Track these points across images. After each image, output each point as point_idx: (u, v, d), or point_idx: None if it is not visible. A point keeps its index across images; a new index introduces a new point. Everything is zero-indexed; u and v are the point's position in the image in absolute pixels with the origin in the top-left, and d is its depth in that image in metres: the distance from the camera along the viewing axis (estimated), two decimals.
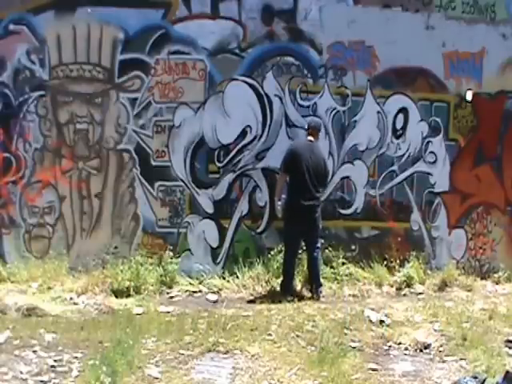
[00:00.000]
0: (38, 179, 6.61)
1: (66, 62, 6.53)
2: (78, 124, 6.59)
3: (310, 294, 6.37)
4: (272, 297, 6.28)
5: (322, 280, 6.46)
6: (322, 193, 6.44)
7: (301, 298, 6.28)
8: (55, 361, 4.60)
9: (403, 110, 7.14)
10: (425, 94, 7.20)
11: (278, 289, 6.40)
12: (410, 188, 7.25)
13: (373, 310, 5.94)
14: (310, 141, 6.46)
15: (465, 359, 4.92)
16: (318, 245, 6.40)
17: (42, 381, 4.30)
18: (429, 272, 7.11)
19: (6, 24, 6.48)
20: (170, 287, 6.46)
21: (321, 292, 6.35)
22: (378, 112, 7.07)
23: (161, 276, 6.44)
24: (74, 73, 6.55)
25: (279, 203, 6.40)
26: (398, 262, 6.99)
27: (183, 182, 6.75)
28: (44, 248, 6.62)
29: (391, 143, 7.13)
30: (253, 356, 4.79)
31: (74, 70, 6.54)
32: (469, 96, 7.28)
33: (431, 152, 7.26)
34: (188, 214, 6.78)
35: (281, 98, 6.83)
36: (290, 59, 6.84)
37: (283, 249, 6.50)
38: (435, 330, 5.48)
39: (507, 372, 4.10)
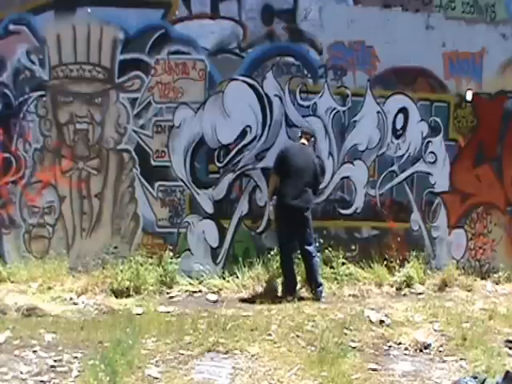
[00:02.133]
0: (38, 179, 6.61)
1: (65, 62, 6.53)
2: (77, 124, 6.59)
3: (311, 295, 6.35)
4: (272, 297, 6.28)
5: (321, 280, 6.42)
6: (312, 195, 6.37)
7: (301, 298, 6.27)
8: (55, 361, 4.60)
9: (403, 110, 7.14)
10: (425, 94, 7.20)
11: (281, 290, 6.39)
12: (410, 188, 7.25)
13: (373, 309, 5.94)
14: (303, 143, 6.49)
15: (465, 359, 4.91)
16: (312, 247, 6.32)
17: (41, 381, 4.30)
18: (429, 272, 7.11)
19: (6, 24, 6.49)
20: (170, 287, 6.46)
21: (321, 292, 6.32)
22: (378, 112, 7.07)
23: (161, 276, 6.44)
24: (74, 73, 6.55)
25: (271, 203, 6.45)
26: (397, 262, 6.99)
27: (183, 182, 6.75)
28: (44, 248, 6.63)
29: (391, 143, 7.13)
30: (253, 356, 4.79)
31: (73, 70, 6.55)
32: (469, 96, 7.28)
33: (431, 152, 7.26)
34: (188, 214, 6.78)
35: (281, 98, 6.84)
36: (290, 59, 6.84)
37: (279, 250, 6.49)
38: (435, 330, 5.48)
39: (507, 372, 4.09)
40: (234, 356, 4.79)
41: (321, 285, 6.38)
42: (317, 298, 6.27)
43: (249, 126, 6.79)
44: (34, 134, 6.59)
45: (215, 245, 6.83)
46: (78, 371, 4.44)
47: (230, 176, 6.81)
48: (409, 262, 7.00)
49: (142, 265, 6.38)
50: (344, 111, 7.00)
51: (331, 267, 6.74)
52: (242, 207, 6.85)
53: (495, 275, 7.35)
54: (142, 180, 6.70)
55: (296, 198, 6.21)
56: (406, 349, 5.14)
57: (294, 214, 6.22)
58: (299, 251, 6.40)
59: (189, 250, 6.78)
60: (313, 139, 6.68)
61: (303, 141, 6.51)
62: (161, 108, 6.67)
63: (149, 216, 6.73)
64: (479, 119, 7.36)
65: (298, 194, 6.22)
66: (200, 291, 6.50)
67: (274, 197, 6.39)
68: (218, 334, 5.12)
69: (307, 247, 6.30)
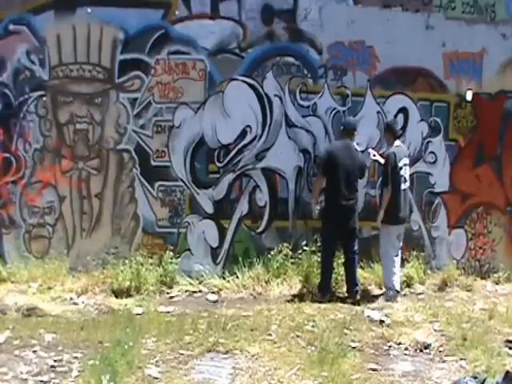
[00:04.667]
0: (38, 179, 6.61)
1: (65, 62, 6.53)
2: (77, 124, 6.59)
3: (346, 295, 6.36)
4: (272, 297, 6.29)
5: (358, 280, 6.42)
6: (357, 191, 6.43)
7: (301, 297, 6.28)
8: (55, 361, 4.61)
9: (403, 110, 7.14)
10: (425, 94, 7.20)
11: (316, 289, 6.38)
12: (410, 188, 7.23)
13: (373, 309, 5.94)
14: (346, 141, 6.42)
15: (465, 359, 4.92)
16: (356, 246, 6.37)
17: (41, 381, 4.30)
18: (429, 272, 7.11)
19: (6, 24, 6.48)
20: (170, 287, 6.46)
21: (357, 292, 6.31)
22: (378, 112, 7.08)
23: (161, 276, 6.45)
24: (74, 73, 6.55)
25: (317, 207, 6.43)
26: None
27: (183, 182, 6.75)
28: (44, 248, 6.62)
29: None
30: (253, 356, 4.79)
31: (74, 70, 6.54)
32: (469, 96, 7.28)
33: (431, 152, 7.27)
34: (188, 214, 6.78)
35: (281, 98, 6.84)
36: (290, 59, 6.85)
37: (320, 249, 6.49)
38: (435, 330, 5.48)
39: (507, 372, 4.10)
40: (234, 356, 4.80)
41: (357, 285, 6.37)
42: (353, 297, 6.26)
43: (249, 126, 6.79)
44: (34, 134, 6.59)
45: (215, 245, 6.83)
46: (78, 371, 4.44)
47: (230, 176, 6.80)
48: (409, 262, 7.00)
49: (142, 265, 6.38)
50: (344, 111, 6.99)
51: None
52: (242, 207, 6.85)
53: (495, 275, 7.36)
54: (142, 180, 6.70)
55: (346, 198, 6.24)
56: (406, 349, 5.15)
57: (345, 214, 6.26)
58: (343, 251, 6.42)
59: (189, 249, 6.78)
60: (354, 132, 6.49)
61: (346, 138, 6.42)
62: (161, 108, 6.66)
63: (149, 216, 6.73)
64: (479, 119, 7.37)
65: (348, 193, 6.25)
66: (200, 291, 6.51)
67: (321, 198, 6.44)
68: (218, 334, 5.12)
69: (353, 245, 6.35)
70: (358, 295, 6.31)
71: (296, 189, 6.94)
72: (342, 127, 6.54)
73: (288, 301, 6.15)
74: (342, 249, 6.44)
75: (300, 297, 6.29)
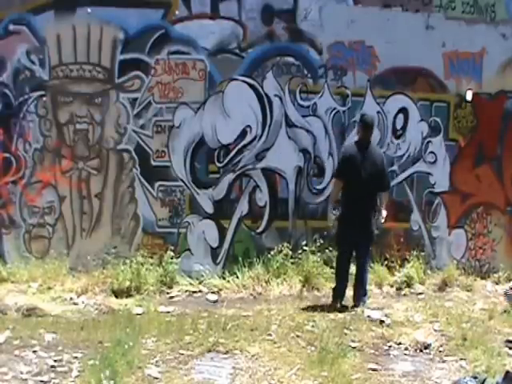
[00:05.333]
0: (38, 179, 6.61)
1: (65, 62, 6.53)
2: (77, 124, 6.59)
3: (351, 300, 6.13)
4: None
5: (368, 289, 6.20)
6: (379, 196, 6.04)
7: (301, 298, 6.27)
8: (55, 361, 4.59)
9: (403, 110, 7.15)
10: (425, 94, 7.21)
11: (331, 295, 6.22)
12: (410, 188, 7.25)
13: (373, 310, 5.94)
14: (360, 140, 6.05)
15: (465, 359, 4.91)
16: (369, 253, 6.15)
17: (41, 381, 4.29)
18: (429, 272, 7.12)
19: (6, 24, 6.48)
20: (170, 287, 6.46)
21: (364, 301, 6.01)
22: (378, 112, 7.08)
23: (161, 276, 6.44)
24: (74, 73, 6.55)
25: (334, 212, 6.12)
26: (398, 261, 6.99)
27: (183, 182, 6.75)
28: (44, 248, 6.62)
29: (391, 143, 7.14)
30: (253, 356, 4.78)
31: (74, 70, 6.54)
32: (469, 96, 7.28)
33: (431, 152, 7.27)
34: (188, 214, 6.78)
35: (281, 98, 6.84)
36: (290, 59, 6.85)
37: (336, 253, 6.28)
38: (435, 330, 5.48)
39: (507, 372, 4.09)
40: (234, 356, 4.79)
41: (366, 294, 6.13)
42: (357, 304, 5.98)
43: (249, 126, 6.79)
44: (34, 134, 6.58)
45: (215, 245, 6.83)
46: (78, 371, 4.43)
47: (230, 176, 6.81)
48: (409, 262, 7.00)
49: (142, 265, 6.38)
50: (344, 111, 7.00)
51: (331, 267, 6.73)
52: (242, 207, 6.85)
53: (495, 275, 7.36)
54: (142, 180, 6.70)
55: (362, 203, 5.83)
56: (406, 349, 5.14)
57: (360, 220, 5.89)
58: (355, 257, 6.11)
59: (189, 250, 6.78)
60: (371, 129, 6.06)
61: (360, 136, 6.04)
62: (161, 108, 6.66)
63: (149, 216, 6.73)
64: (479, 119, 7.37)
65: (365, 198, 5.83)
66: (200, 291, 6.50)
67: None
68: (218, 334, 5.12)
69: (366, 253, 6.09)
70: (365, 304, 6.00)
71: (296, 189, 6.94)
72: (360, 124, 6.13)
73: (288, 301, 6.14)
74: (355, 253, 6.10)
75: (300, 297, 6.29)
